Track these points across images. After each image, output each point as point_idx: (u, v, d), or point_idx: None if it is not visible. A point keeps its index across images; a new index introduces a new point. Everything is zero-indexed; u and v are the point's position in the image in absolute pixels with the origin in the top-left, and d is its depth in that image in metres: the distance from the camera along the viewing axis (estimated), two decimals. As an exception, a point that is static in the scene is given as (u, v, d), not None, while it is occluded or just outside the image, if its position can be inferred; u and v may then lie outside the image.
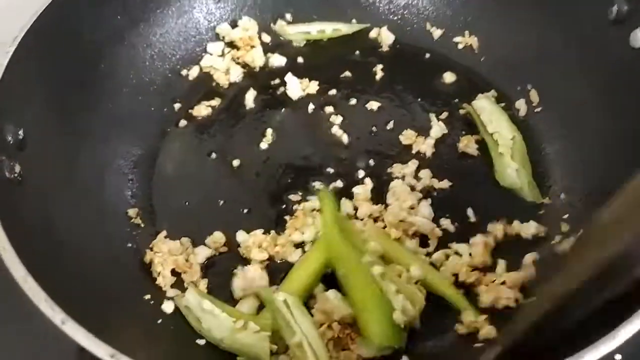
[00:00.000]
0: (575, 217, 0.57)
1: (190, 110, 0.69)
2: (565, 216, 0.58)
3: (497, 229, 0.57)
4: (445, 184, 0.62)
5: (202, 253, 0.57)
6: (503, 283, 0.54)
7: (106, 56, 0.65)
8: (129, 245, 0.58)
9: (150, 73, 0.70)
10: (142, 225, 0.59)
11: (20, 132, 0.51)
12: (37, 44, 0.55)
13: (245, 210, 0.60)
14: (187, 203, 0.61)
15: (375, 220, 0.58)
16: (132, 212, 0.60)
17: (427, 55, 0.74)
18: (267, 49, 0.75)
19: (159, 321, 0.52)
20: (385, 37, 0.75)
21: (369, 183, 0.62)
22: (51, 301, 0.38)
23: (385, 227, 0.58)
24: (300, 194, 0.61)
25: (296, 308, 0.51)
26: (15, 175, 0.49)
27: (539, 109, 0.67)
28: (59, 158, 0.56)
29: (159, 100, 0.69)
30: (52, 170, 0.54)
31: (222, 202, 0.61)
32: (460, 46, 0.74)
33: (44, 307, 0.38)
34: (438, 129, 0.66)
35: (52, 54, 0.58)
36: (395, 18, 0.77)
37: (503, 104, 0.67)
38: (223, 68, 0.73)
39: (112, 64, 0.65)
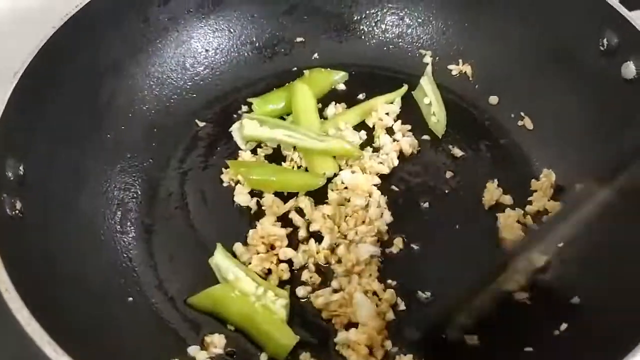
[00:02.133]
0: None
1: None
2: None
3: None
4: None
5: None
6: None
7: (106, 87, 0.65)
8: (129, 275, 0.58)
9: (148, 102, 0.70)
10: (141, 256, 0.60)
11: (21, 168, 0.52)
12: (38, 78, 0.56)
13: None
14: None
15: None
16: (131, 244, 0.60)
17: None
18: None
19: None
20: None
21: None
22: (55, 344, 0.38)
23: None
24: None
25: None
26: (17, 212, 0.49)
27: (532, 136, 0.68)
28: (59, 191, 0.56)
29: (157, 130, 0.70)
30: (52, 203, 0.54)
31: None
32: (454, 73, 0.75)
33: (47, 350, 0.38)
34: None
35: (52, 87, 0.58)
36: (391, 46, 0.78)
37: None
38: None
39: (112, 95, 0.66)
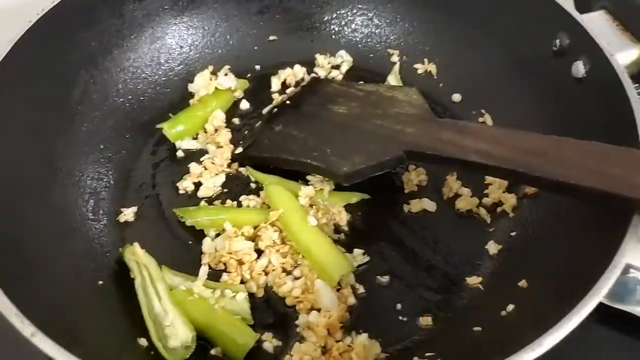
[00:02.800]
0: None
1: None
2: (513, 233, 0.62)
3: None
4: None
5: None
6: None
7: (80, 81, 0.67)
8: (100, 260, 0.60)
9: (122, 97, 0.72)
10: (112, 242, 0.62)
11: (-8, 153, 0.54)
12: (13, 71, 0.58)
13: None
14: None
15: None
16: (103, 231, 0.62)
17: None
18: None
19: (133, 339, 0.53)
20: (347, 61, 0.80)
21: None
22: (21, 315, 0.40)
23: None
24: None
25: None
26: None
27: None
28: (33, 180, 0.58)
29: (131, 123, 0.72)
30: (25, 191, 0.56)
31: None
32: (420, 71, 0.78)
33: (14, 320, 0.40)
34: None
35: (27, 79, 0.60)
36: (360, 45, 0.81)
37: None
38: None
39: (86, 89, 0.68)
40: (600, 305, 0.58)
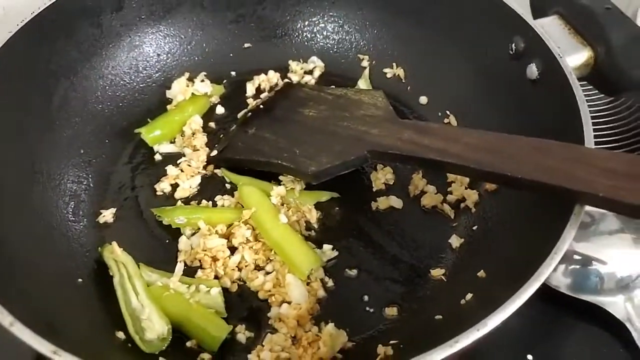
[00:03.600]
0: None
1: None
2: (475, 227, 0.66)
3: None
4: None
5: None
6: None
7: (60, 88, 0.70)
8: (80, 260, 0.62)
9: (102, 103, 0.75)
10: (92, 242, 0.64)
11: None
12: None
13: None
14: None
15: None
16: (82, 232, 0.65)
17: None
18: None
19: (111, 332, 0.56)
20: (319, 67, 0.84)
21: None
22: (1, 307, 0.43)
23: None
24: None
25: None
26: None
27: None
28: (12, 183, 0.60)
29: (110, 128, 0.74)
30: (5, 194, 0.58)
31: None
32: (388, 75, 0.82)
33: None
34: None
35: (8, 86, 0.63)
36: (332, 52, 0.85)
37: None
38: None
39: (66, 96, 0.71)
40: (566, 296, 0.62)
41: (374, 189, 0.70)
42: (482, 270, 0.57)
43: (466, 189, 0.68)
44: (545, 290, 0.63)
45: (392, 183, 0.71)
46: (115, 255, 0.60)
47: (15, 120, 0.63)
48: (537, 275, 0.45)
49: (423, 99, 0.79)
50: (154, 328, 0.55)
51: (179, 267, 0.60)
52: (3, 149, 0.61)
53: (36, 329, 0.42)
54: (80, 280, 0.59)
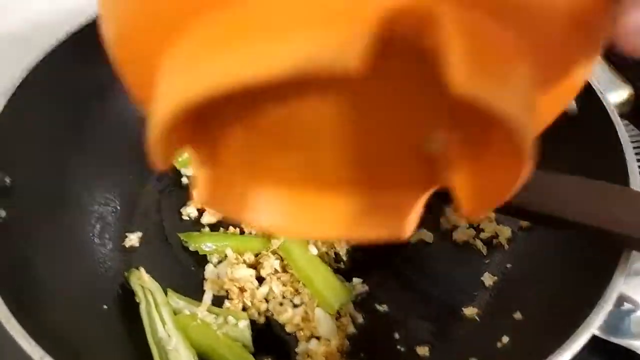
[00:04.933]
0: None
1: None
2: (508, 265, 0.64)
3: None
4: None
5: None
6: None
7: (92, 109, 0.69)
8: (105, 284, 0.61)
9: (132, 124, 0.74)
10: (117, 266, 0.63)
11: (7, 179, 0.55)
12: (27, 98, 0.60)
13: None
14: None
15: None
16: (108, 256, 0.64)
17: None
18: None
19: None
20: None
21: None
22: (29, 338, 0.42)
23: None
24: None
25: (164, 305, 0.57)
26: (1, 220, 0.53)
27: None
28: (42, 204, 0.59)
29: (139, 151, 0.74)
30: (34, 214, 0.58)
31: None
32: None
33: (23, 343, 0.42)
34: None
35: (39, 108, 0.62)
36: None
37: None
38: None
39: (97, 116, 0.70)
40: (595, 337, 0.60)
41: (405, 222, 0.69)
42: (518, 312, 0.56)
43: (498, 225, 0.67)
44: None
45: (422, 216, 0.69)
46: (143, 281, 0.59)
47: (46, 139, 0.63)
48: (586, 325, 0.43)
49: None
50: (180, 359, 0.53)
51: (208, 297, 0.59)
52: (34, 167, 0.60)
53: (65, 360, 0.42)
54: (105, 306, 0.58)
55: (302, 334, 0.58)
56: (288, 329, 0.59)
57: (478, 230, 0.67)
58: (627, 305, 0.64)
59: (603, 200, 0.49)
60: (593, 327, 0.44)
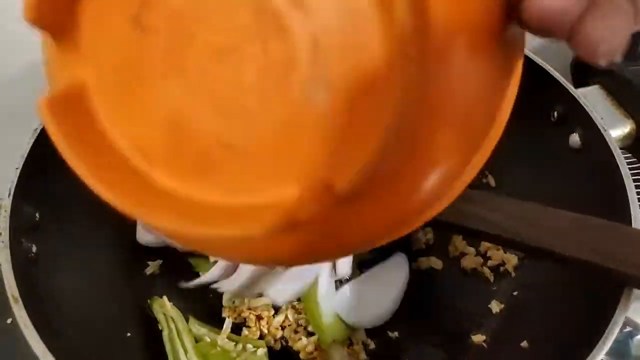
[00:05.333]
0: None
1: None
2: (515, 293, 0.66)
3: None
4: None
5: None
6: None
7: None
8: (128, 312, 0.64)
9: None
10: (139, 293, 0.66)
11: (37, 215, 0.58)
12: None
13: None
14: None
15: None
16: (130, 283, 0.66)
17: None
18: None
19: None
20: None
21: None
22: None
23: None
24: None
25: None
26: (32, 254, 0.55)
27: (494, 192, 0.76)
28: (69, 236, 0.62)
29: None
30: (62, 247, 0.60)
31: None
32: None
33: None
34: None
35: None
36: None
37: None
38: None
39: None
40: None
41: (414, 249, 0.71)
42: (525, 341, 0.58)
43: (505, 252, 0.69)
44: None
45: (431, 243, 0.72)
46: (165, 309, 0.62)
47: (73, 174, 0.65)
48: (592, 356, 0.46)
49: (462, 160, 0.80)
50: (202, 386, 0.56)
51: (227, 324, 0.62)
52: (60, 206, 0.63)
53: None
54: (129, 334, 0.61)
55: (316, 361, 0.61)
56: (302, 356, 0.62)
57: (485, 257, 0.70)
58: (629, 328, 0.66)
59: (601, 237, 0.51)
60: (598, 357, 0.46)
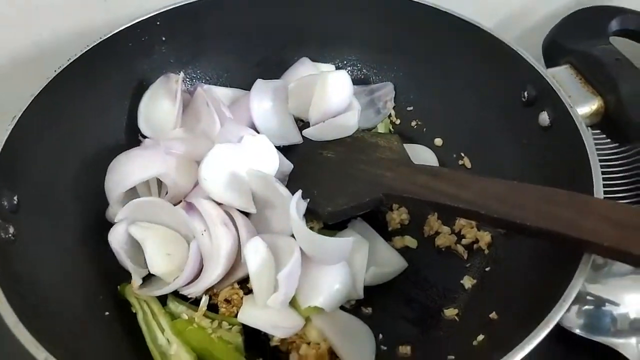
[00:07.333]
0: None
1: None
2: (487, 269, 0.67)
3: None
4: None
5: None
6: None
7: (93, 129, 0.74)
8: (108, 292, 0.65)
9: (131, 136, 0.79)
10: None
11: (15, 198, 0.60)
12: (33, 123, 0.65)
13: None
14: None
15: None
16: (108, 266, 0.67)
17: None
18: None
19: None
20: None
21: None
22: (37, 342, 0.46)
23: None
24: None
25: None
26: (9, 235, 0.57)
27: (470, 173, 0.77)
28: (47, 220, 0.64)
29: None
30: (40, 231, 0.62)
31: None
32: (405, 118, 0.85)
33: (30, 347, 0.46)
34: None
35: (48, 129, 0.67)
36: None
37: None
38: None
39: (99, 137, 0.74)
40: (579, 337, 0.64)
41: (390, 229, 0.73)
42: (494, 312, 0.59)
43: (478, 230, 0.70)
44: (559, 331, 0.65)
45: (407, 223, 0.73)
46: (136, 294, 0.63)
47: (51, 159, 0.67)
48: (546, 321, 0.47)
49: (438, 141, 0.82)
50: (182, 362, 0.57)
51: (204, 302, 0.63)
52: (38, 190, 0.64)
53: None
54: (107, 313, 0.62)
55: (294, 345, 0.61)
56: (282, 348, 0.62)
57: (459, 236, 0.71)
58: (607, 306, 0.67)
59: (565, 207, 0.52)
60: (553, 321, 0.47)
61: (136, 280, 0.63)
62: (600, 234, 0.49)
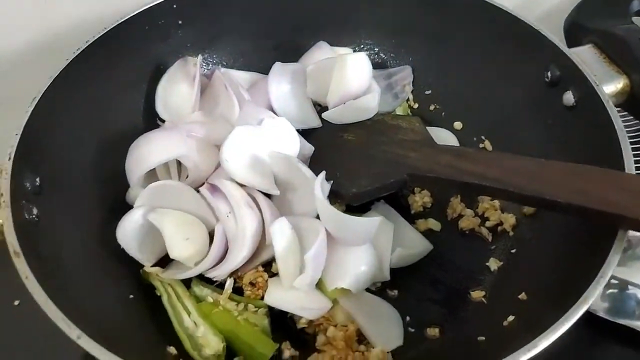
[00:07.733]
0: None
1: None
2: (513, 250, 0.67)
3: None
4: None
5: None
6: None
7: (112, 109, 0.73)
8: (132, 275, 0.64)
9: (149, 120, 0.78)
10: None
11: (37, 180, 0.59)
12: (53, 105, 0.64)
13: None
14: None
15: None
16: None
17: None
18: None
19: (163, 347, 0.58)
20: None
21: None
22: (68, 320, 0.46)
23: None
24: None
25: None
26: (33, 216, 0.56)
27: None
28: (69, 202, 0.63)
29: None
30: (63, 211, 0.61)
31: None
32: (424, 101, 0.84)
33: (62, 325, 0.45)
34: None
35: (66, 111, 0.66)
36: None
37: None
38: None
39: (116, 120, 0.74)
40: (603, 320, 0.63)
41: (412, 212, 0.72)
42: (523, 293, 0.58)
43: (503, 213, 0.70)
44: (584, 314, 0.64)
45: (430, 206, 0.73)
46: (159, 277, 0.62)
47: (72, 141, 0.67)
48: (584, 299, 0.46)
49: (457, 125, 0.81)
50: (210, 345, 0.57)
51: (229, 284, 0.62)
52: (60, 171, 0.64)
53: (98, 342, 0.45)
54: (131, 295, 0.62)
55: (321, 327, 0.61)
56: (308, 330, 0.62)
57: (483, 218, 0.70)
58: (631, 289, 0.66)
59: (596, 183, 0.52)
60: (589, 302, 0.46)
61: (146, 267, 0.63)
62: (635, 208, 0.48)
